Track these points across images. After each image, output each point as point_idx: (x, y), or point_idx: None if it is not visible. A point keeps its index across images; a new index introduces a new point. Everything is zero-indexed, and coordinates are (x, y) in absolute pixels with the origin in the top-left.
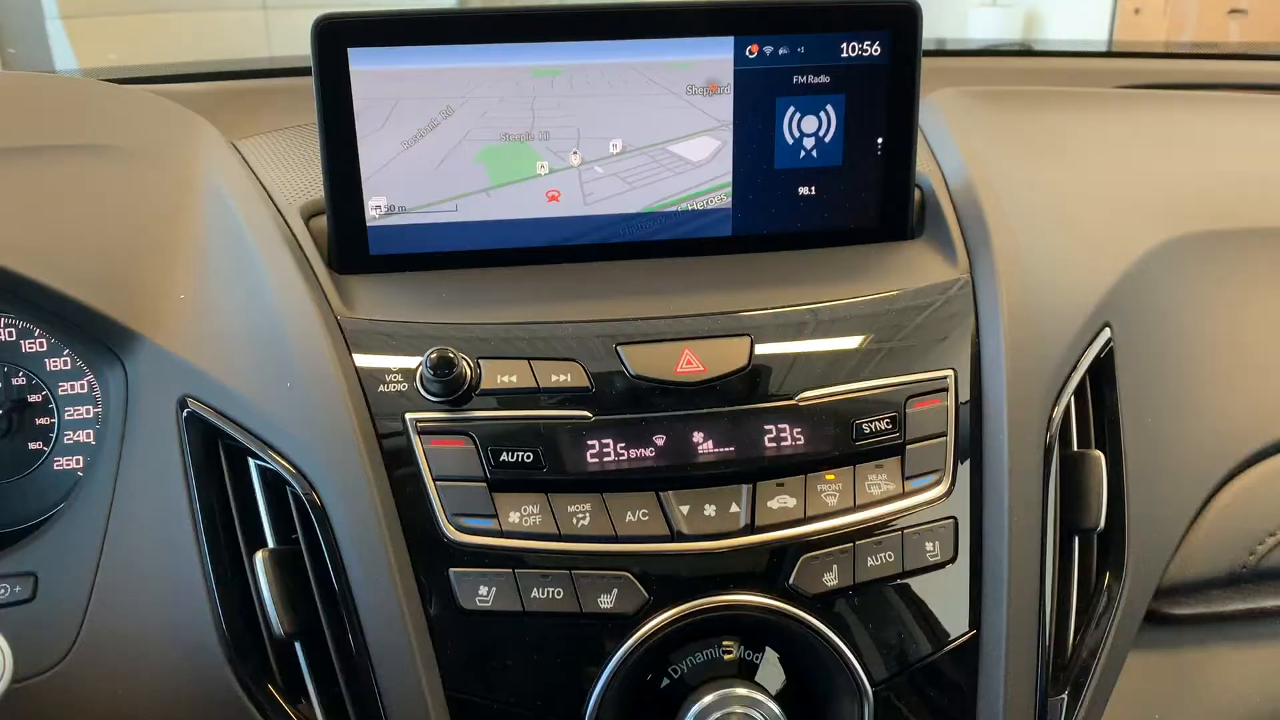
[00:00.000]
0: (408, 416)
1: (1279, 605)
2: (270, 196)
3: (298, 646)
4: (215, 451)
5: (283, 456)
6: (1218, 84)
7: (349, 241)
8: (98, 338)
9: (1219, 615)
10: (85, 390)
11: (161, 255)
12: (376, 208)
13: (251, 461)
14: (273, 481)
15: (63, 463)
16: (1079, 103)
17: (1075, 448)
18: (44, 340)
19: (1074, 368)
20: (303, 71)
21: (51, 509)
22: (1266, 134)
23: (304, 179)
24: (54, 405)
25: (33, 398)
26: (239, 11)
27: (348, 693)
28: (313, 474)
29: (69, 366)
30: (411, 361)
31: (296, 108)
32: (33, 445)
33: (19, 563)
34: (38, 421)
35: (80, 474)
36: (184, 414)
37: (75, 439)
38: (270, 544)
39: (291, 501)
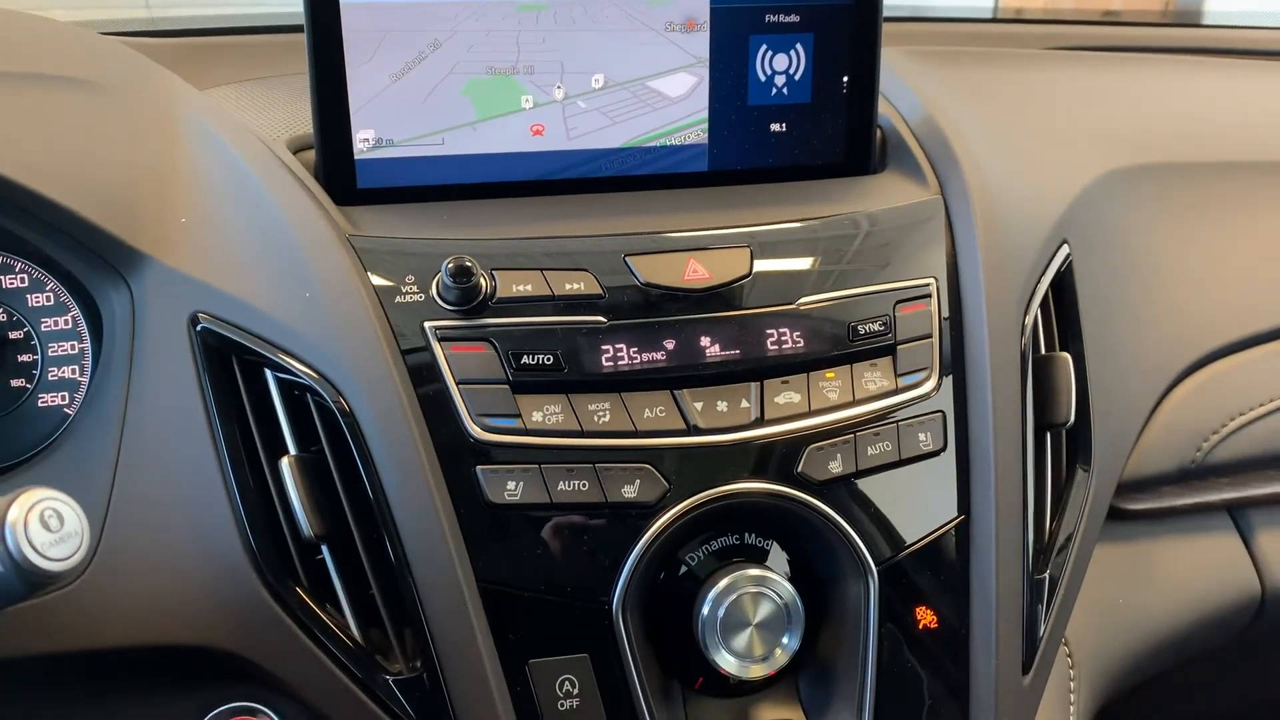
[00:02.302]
0: (426, 325)
1: (1222, 500)
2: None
3: (325, 551)
4: (230, 366)
5: (306, 365)
6: (1130, 47)
7: (337, 175)
8: (103, 257)
9: (1169, 510)
10: (69, 326)
11: (157, 182)
12: (364, 140)
13: (269, 373)
14: (292, 392)
15: (48, 399)
16: (1017, 59)
17: (1043, 352)
18: (25, 276)
19: (1040, 278)
20: (246, 30)
21: (36, 447)
22: (1184, 85)
23: (275, 122)
24: (36, 342)
25: (14, 334)
26: None
27: (380, 593)
28: (339, 380)
29: (51, 302)
30: (426, 274)
31: (246, 64)
32: (15, 383)
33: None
34: (19, 358)
35: (68, 411)
36: (197, 330)
37: (60, 375)
38: (292, 452)
39: (314, 409)
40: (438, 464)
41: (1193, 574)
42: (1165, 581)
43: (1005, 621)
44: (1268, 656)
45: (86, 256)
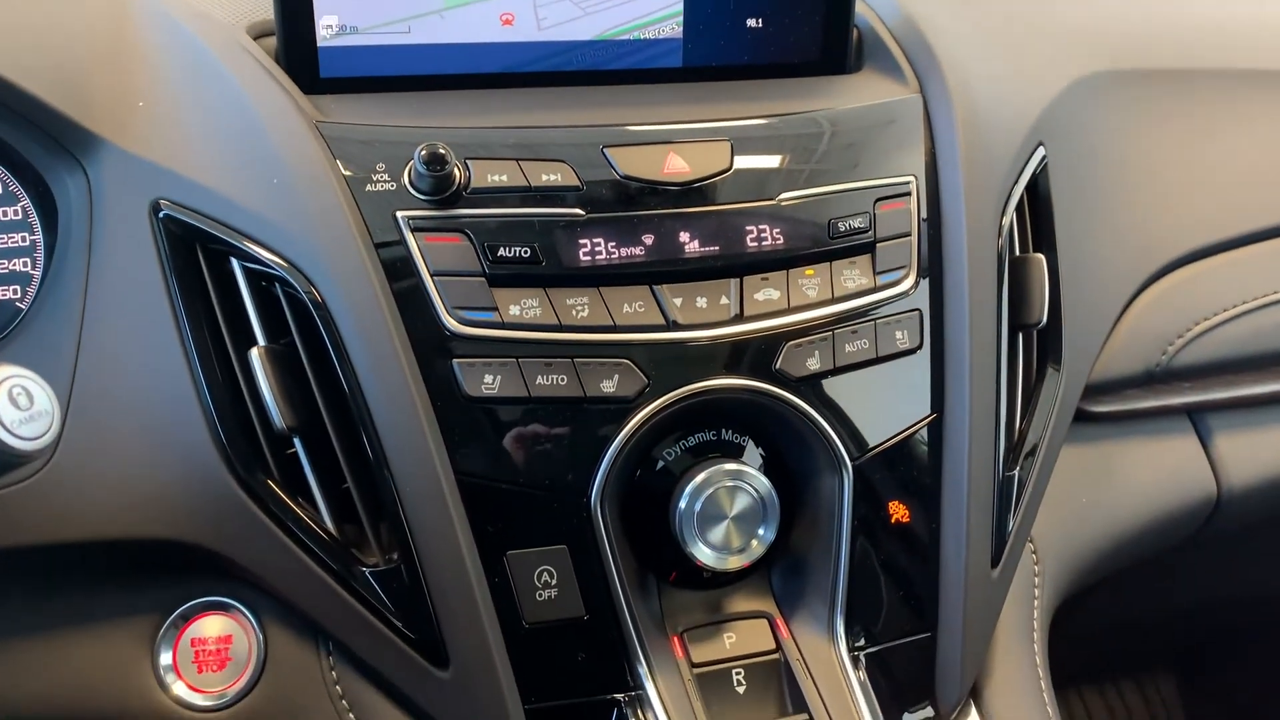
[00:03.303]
0: (399, 214)
1: (1183, 403)
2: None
3: (297, 444)
4: (194, 255)
5: (276, 253)
6: None
7: (299, 63)
8: (57, 141)
9: (1134, 412)
10: (20, 217)
11: (111, 63)
12: (328, 27)
13: (236, 263)
14: (260, 282)
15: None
16: None
17: (1018, 253)
18: None
19: (1016, 180)
20: None
21: None
22: None
23: (233, 6)
24: None
25: None
26: None
27: (355, 486)
28: (310, 270)
29: (0, 191)
30: (397, 163)
31: None
32: None
33: None
34: None
35: (20, 305)
36: (158, 217)
37: (10, 268)
38: (261, 343)
39: (284, 300)
40: (413, 356)
41: (1153, 475)
42: (1126, 482)
43: (975, 517)
44: (1220, 557)
45: (40, 140)
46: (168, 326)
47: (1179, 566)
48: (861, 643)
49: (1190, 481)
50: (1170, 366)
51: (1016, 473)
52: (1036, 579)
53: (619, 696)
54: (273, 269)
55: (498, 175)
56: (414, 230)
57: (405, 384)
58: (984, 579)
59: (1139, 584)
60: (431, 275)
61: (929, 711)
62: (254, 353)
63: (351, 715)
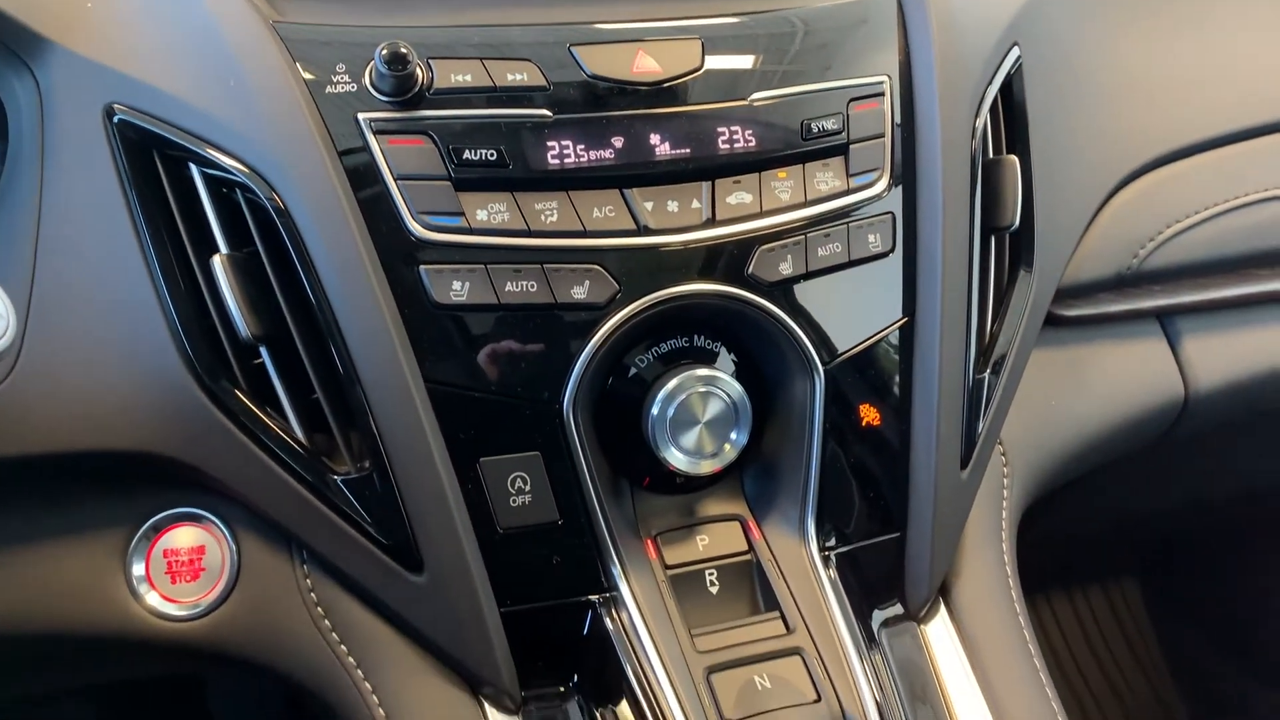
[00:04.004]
0: (361, 117)
1: (1153, 306)
2: None
3: (264, 353)
4: (151, 162)
5: (236, 158)
6: None
7: None
8: (4, 44)
9: (1104, 316)
10: None
11: None
12: None
13: (195, 169)
14: (220, 189)
15: None
16: None
17: (991, 155)
18: None
19: (990, 81)
20: None
21: None
22: None
23: None
24: None
25: None
26: None
27: (324, 395)
28: (271, 175)
29: None
30: (358, 63)
31: None
32: None
33: None
34: None
35: None
36: (113, 122)
37: None
38: (224, 250)
39: (246, 207)
40: (379, 264)
41: (1122, 378)
42: (1095, 385)
43: (946, 419)
44: (1184, 460)
45: None
46: (127, 235)
47: (1144, 472)
48: (832, 543)
49: (1158, 384)
50: (1141, 270)
51: (987, 376)
52: (1005, 481)
53: (593, 598)
54: (233, 175)
55: (461, 75)
56: (376, 133)
57: (372, 292)
58: (953, 480)
59: (1105, 490)
60: (395, 179)
61: (898, 609)
62: (216, 260)
63: (327, 622)
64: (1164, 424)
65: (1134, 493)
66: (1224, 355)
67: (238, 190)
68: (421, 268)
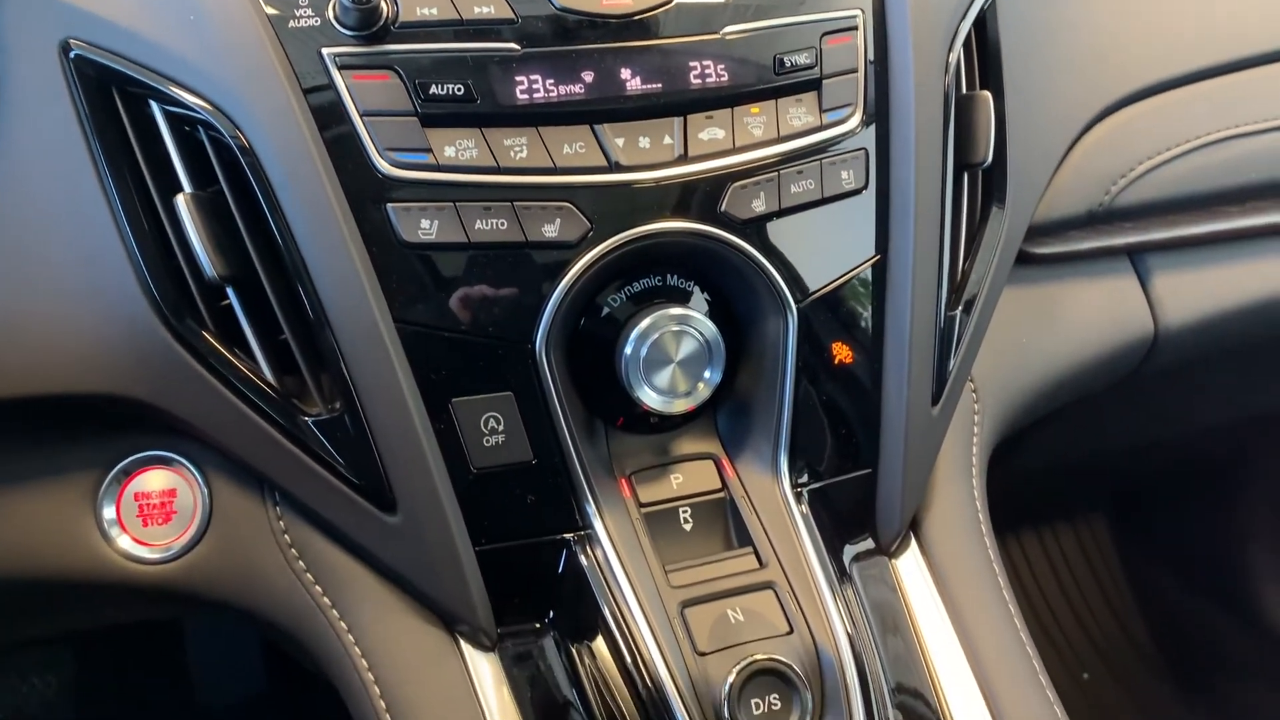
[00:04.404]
0: (325, 51)
1: (1124, 243)
2: None
3: (231, 294)
4: (110, 98)
5: (198, 95)
6: None
7: None
8: None
9: (1075, 254)
10: None
11: None
12: None
13: (156, 106)
14: (182, 127)
15: None
16: None
17: (964, 91)
18: None
19: (964, 15)
20: None
21: None
22: None
23: None
24: None
25: None
26: None
27: (293, 336)
28: (234, 112)
29: None
30: None
31: None
32: None
33: None
34: None
35: None
36: (69, 59)
37: None
38: (187, 189)
39: (209, 145)
40: (345, 201)
41: (1092, 315)
42: (1066, 322)
43: (917, 356)
44: (1153, 397)
45: None
46: (88, 176)
47: (1113, 410)
48: (805, 479)
49: (1128, 321)
50: (1112, 207)
51: (958, 313)
52: (976, 417)
53: (568, 536)
54: (195, 112)
55: (427, 8)
56: (341, 68)
57: (339, 230)
58: (924, 417)
59: (1073, 429)
60: (361, 116)
61: (869, 544)
62: (180, 200)
63: (301, 563)
64: (1134, 361)
65: (1103, 430)
66: (1193, 292)
67: (200, 128)
68: (389, 206)
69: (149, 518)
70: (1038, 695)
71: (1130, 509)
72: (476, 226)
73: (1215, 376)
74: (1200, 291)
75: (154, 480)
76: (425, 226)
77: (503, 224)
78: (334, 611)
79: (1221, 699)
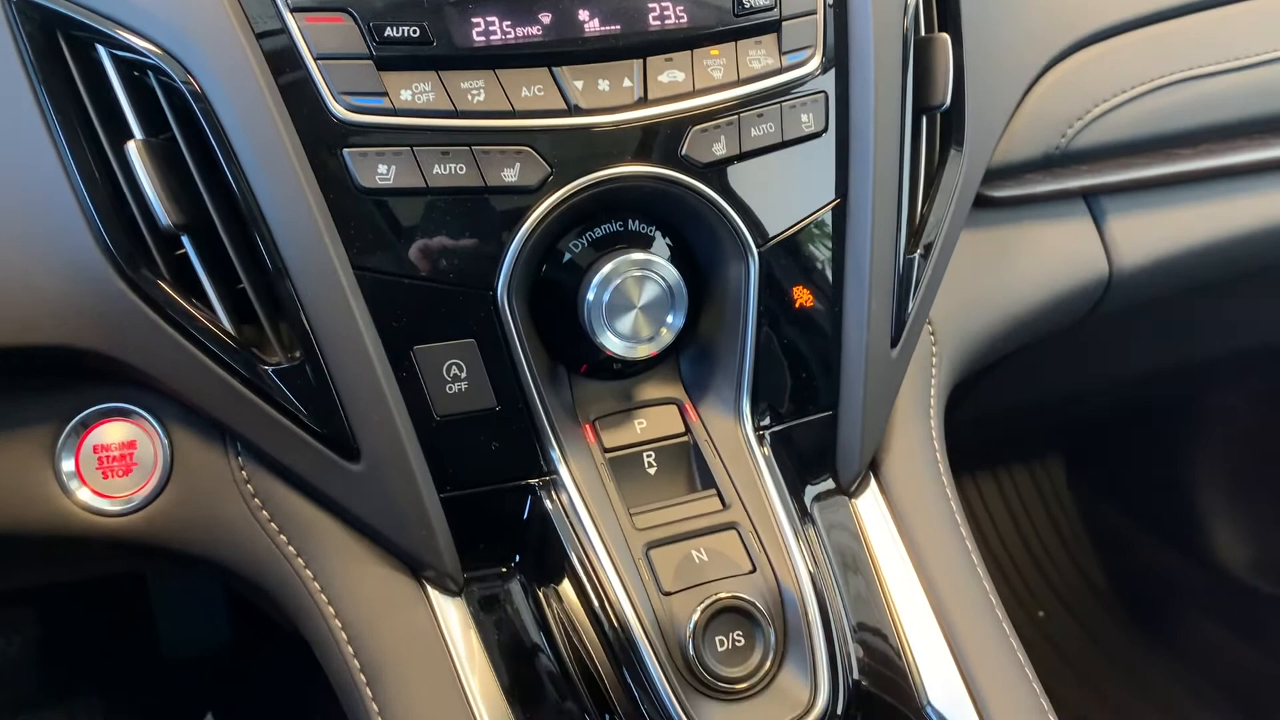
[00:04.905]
0: None
1: (1080, 186)
2: None
3: (187, 242)
4: (56, 43)
5: (147, 39)
6: None
7: None
8: None
9: (1032, 196)
10: None
11: None
12: None
13: (104, 51)
14: (132, 72)
15: None
16: None
17: (923, 33)
18: None
19: None
20: None
21: None
22: None
23: None
24: None
25: None
26: None
27: (251, 284)
28: (185, 56)
29: None
30: None
31: None
32: None
33: None
34: None
35: None
36: (12, 3)
37: None
38: (138, 136)
39: (160, 91)
40: (301, 147)
41: (1048, 258)
42: (1023, 265)
43: (877, 299)
44: (1106, 341)
45: None
46: (35, 123)
47: (1066, 354)
48: (766, 422)
49: (1083, 263)
50: (1068, 150)
51: (917, 256)
52: (934, 359)
53: (533, 482)
54: (145, 57)
55: None
56: (294, 10)
57: (295, 177)
58: (884, 359)
59: (1029, 373)
60: (315, 59)
61: (830, 484)
62: (131, 146)
63: (265, 512)
64: (1088, 302)
65: (1058, 374)
66: (1147, 234)
67: (150, 73)
68: (345, 151)
69: (109, 470)
70: (995, 631)
71: (1085, 451)
72: (435, 171)
73: (1167, 319)
74: (1153, 233)
75: (113, 432)
76: (382, 172)
77: (461, 169)
78: (299, 560)
79: (1174, 634)
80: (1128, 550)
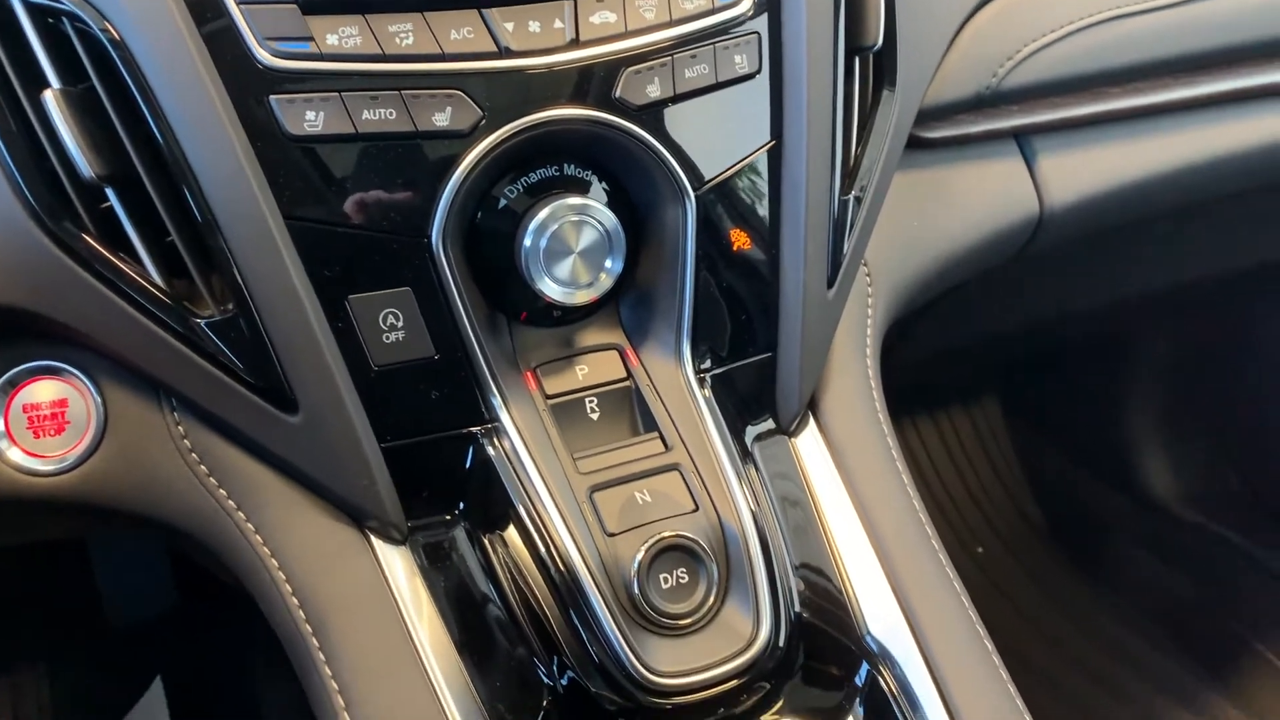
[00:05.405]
0: None
1: (1011, 126)
2: None
3: (112, 196)
4: None
5: None
6: None
7: None
8: None
9: (964, 137)
10: None
11: None
12: None
13: None
14: (45, 19)
15: None
16: None
17: None
18: None
19: None
20: None
21: None
22: None
23: None
24: None
25: None
26: None
27: (180, 236)
28: (103, 4)
29: None
30: None
31: None
32: None
33: None
34: None
35: None
36: None
37: None
38: (55, 86)
39: (76, 39)
40: (226, 95)
41: (980, 198)
42: (956, 205)
43: (813, 241)
44: (1038, 280)
45: None
46: None
47: (999, 294)
48: (707, 365)
49: (1015, 202)
50: (999, 90)
51: (852, 197)
52: (870, 300)
53: (475, 430)
54: (60, 4)
55: None
56: None
57: (221, 126)
58: (820, 300)
59: (963, 313)
60: (238, 4)
61: (770, 424)
62: (48, 96)
63: (203, 467)
64: (1020, 241)
65: (993, 314)
66: (1076, 172)
67: (65, 20)
68: (272, 98)
69: (40, 429)
70: (932, 563)
71: (1021, 391)
72: (364, 117)
73: (1097, 259)
74: (1082, 172)
75: (43, 391)
76: (311, 118)
77: (391, 114)
78: (240, 514)
79: (1108, 565)
80: (1063, 487)
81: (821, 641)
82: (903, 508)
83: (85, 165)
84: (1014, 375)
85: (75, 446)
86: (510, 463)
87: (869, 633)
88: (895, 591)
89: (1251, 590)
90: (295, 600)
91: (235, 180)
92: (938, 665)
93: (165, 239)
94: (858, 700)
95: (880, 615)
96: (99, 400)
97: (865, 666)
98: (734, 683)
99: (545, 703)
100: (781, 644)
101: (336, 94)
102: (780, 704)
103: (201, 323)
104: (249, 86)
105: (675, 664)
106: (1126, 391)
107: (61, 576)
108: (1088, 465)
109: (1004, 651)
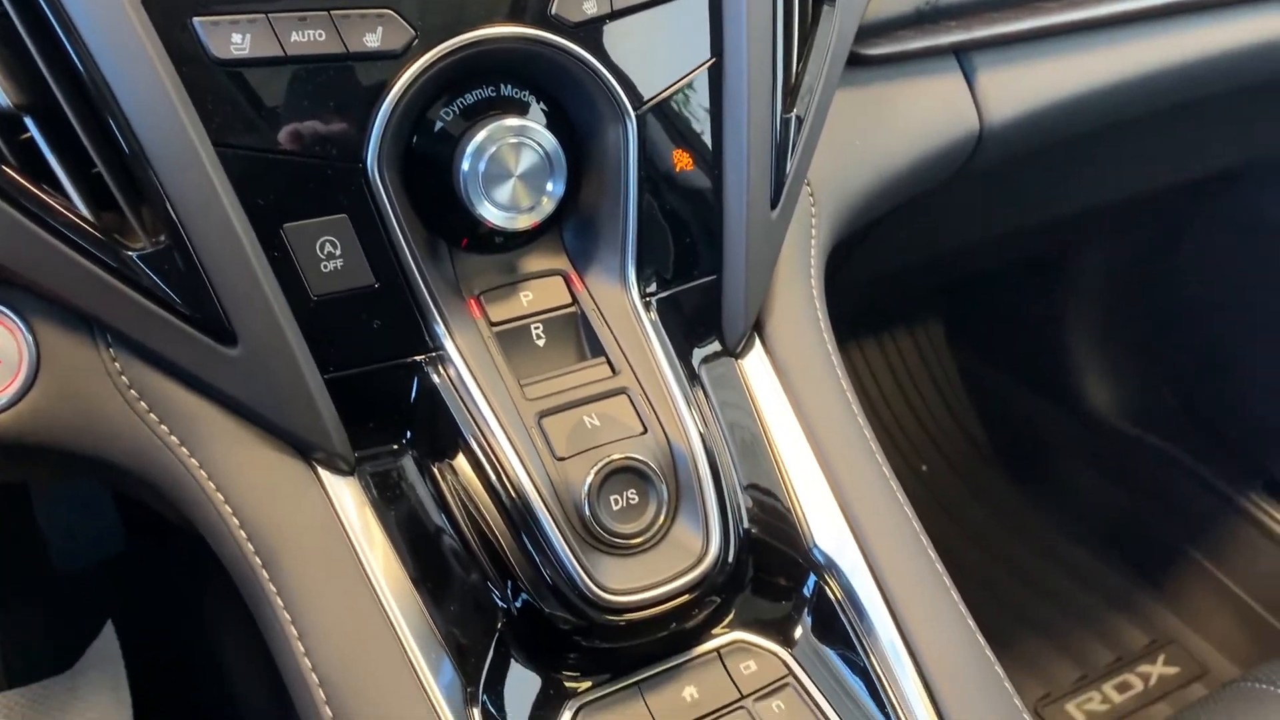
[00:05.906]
0: None
1: (950, 42)
2: None
3: (31, 126)
4: None
5: None
6: None
7: None
8: None
9: (904, 54)
10: None
11: None
12: None
13: None
14: None
15: None
16: None
17: None
18: None
19: None
20: None
21: None
22: None
23: None
24: None
25: None
26: None
27: (106, 167)
28: None
29: None
30: None
31: None
32: None
33: None
34: None
35: None
36: None
37: None
38: None
39: None
40: (147, 19)
41: (921, 115)
42: (897, 123)
43: (755, 161)
44: (978, 199)
45: None
46: None
47: (940, 214)
48: (653, 288)
49: (955, 119)
50: (939, 4)
51: (794, 115)
52: (813, 220)
53: (419, 359)
54: None
55: None
56: None
57: (144, 51)
58: (764, 221)
59: (905, 234)
60: None
61: (716, 346)
62: None
63: (143, 403)
64: (961, 158)
65: (934, 234)
66: (1015, 88)
67: None
68: (196, 20)
69: None
70: (878, 479)
71: (964, 311)
72: (292, 39)
73: (1035, 177)
74: (1021, 87)
75: None
76: (237, 41)
77: (320, 35)
78: (183, 449)
79: (1049, 481)
80: (1005, 404)
81: (770, 556)
82: (848, 425)
83: (2, 95)
84: (956, 296)
85: (8, 386)
86: (456, 391)
87: (816, 545)
88: (841, 505)
89: (1186, 500)
90: (243, 534)
91: (161, 107)
92: (882, 573)
93: (92, 170)
94: (806, 610)
95: (826, 528)
96: (30, 338)
97: (812, 577)
98: (685, 598)
99: (500, 625)
100: (731, 559)
101: (263, 15)
102: (731, 616)
103: (133, 255)
104: (171, 8)
105: (627, 581)
106: (1065, 310)
107: (3, 524)
108: (1028, 383)
109: (948, 563)
